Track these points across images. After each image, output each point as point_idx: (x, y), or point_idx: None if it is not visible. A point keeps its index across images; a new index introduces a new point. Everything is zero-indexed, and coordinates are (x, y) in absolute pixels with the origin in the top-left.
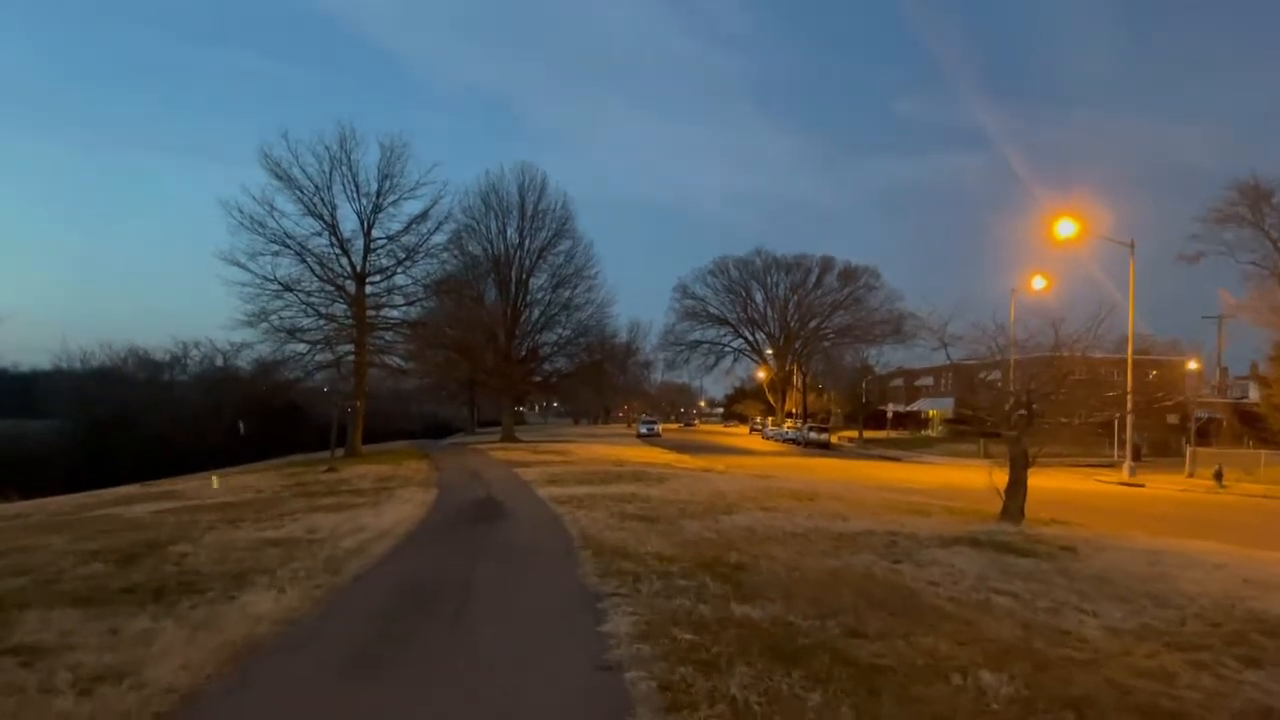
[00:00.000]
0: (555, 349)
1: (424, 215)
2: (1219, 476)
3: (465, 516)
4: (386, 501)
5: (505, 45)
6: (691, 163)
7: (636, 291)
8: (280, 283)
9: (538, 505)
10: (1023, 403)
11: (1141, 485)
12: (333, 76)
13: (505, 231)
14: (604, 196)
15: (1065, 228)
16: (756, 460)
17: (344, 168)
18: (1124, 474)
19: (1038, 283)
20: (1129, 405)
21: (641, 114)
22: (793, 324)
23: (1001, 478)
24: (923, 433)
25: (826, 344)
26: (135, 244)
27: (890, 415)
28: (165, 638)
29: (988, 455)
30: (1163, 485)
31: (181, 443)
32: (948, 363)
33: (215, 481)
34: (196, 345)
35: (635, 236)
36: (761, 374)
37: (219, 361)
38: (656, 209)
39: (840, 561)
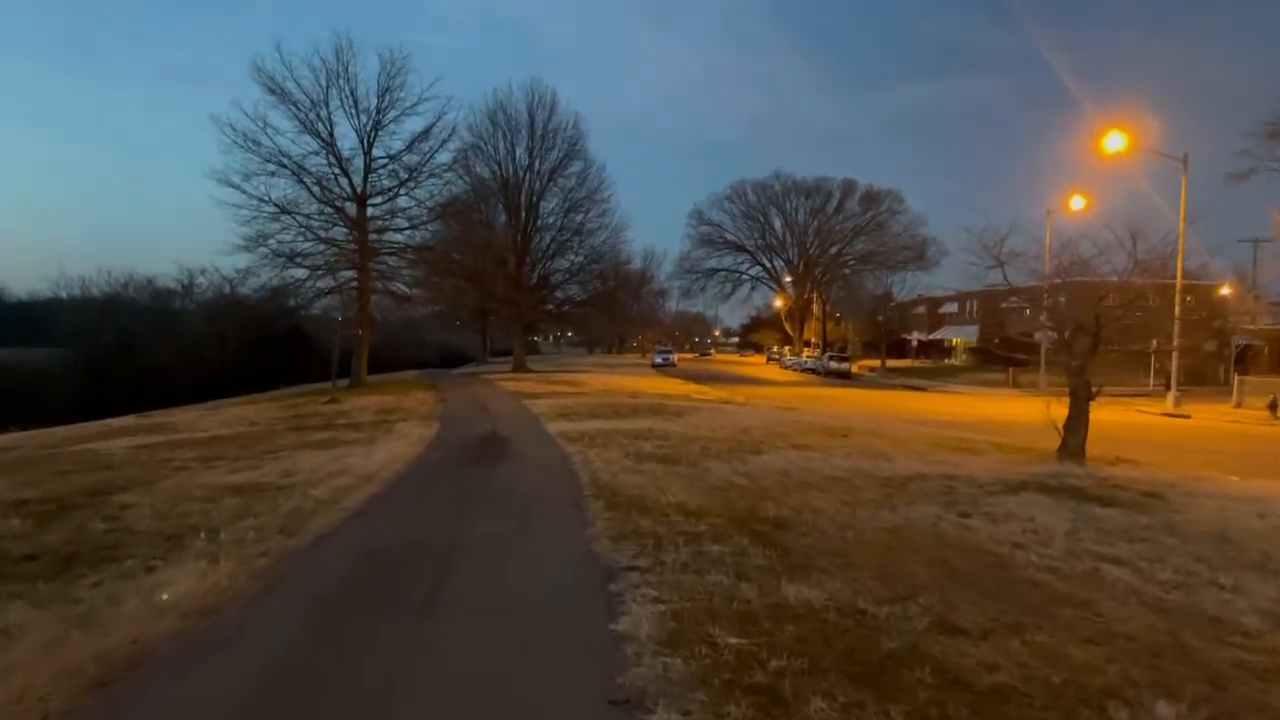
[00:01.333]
0: (567, 276)
1: (426, 132)
2: (1274, 407)
3: (464, 456)
4: (383, 437)
5: None
6: (707, 87)
7: (651, 220)
8: (276, 205)
9: (545, 443)
10: (1089, 328)
11: (1187, 416)
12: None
13: (514, 152)
14: (616, 122)
15: (1114, 141)
16: (777, 391)
17: (341, 81)
18: (1168, 404)
19: (1076, 203)
20: (1177, 332)
21: (654, 35)
22: (812, 250)
23: (1060, 411)
24: (946, 361)
25: (847, 271)
26: (139, 169)
27: (915, 344)
28: (24, 643)
29: (1016, 385)
30: (1210, 416)
31: (186, 372)
32: (1003, 284)
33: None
34: (203, 272)
35: (649, 163)
36: (779, 302)
37: (226, 289)
38: (671, 135)
39: (898, 515)
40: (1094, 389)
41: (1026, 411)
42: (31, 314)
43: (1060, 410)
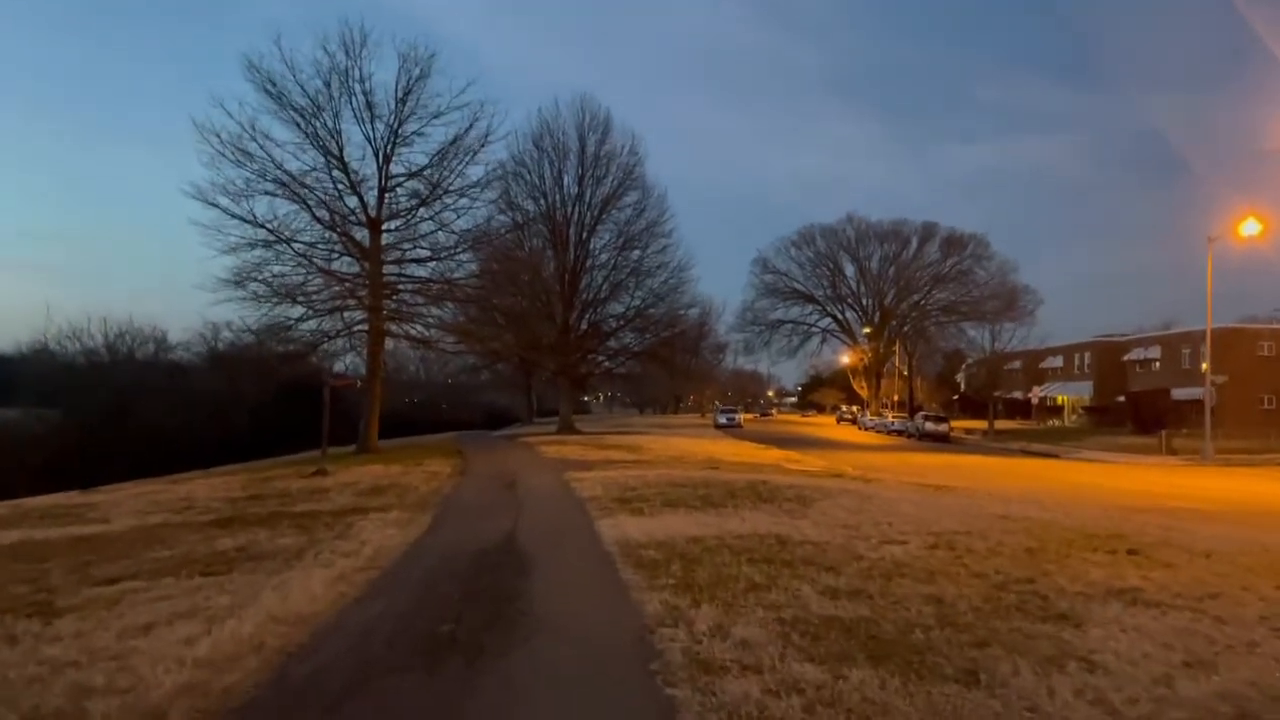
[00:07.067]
0: (622, 322)
1: (455, 143)
2: None
3: (421, 625)
4: (320, 551)
5: (578, 37)
6: (767, 152)
7: (708, 278)
8: (270, 230)
9: (599, 576)
10: None
11: None
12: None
13: (561, 180)
14: (675, 187)
15: None
16: (880, 458)
17: (353, 82)
18: None
19: (1250, 226)
20: None
21: (715, 104)
22: (889, 301)
23: None
24: (1053, 422)
25: (928, 323)
26: (145, 215)
27: (1035, 401)
28: None
29: (1171, 451)
30: None
31: (197, 433)
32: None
33: None
34: (229, 325)
35: (710, 227)
36: (847, 358)
37: (248, 339)
38: (731, 198)
39: None
40: None
41: (1236, 486)
42: (11, 368)
43: None
